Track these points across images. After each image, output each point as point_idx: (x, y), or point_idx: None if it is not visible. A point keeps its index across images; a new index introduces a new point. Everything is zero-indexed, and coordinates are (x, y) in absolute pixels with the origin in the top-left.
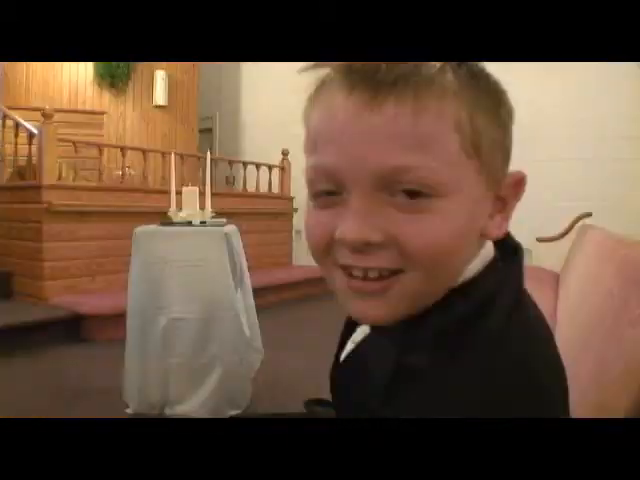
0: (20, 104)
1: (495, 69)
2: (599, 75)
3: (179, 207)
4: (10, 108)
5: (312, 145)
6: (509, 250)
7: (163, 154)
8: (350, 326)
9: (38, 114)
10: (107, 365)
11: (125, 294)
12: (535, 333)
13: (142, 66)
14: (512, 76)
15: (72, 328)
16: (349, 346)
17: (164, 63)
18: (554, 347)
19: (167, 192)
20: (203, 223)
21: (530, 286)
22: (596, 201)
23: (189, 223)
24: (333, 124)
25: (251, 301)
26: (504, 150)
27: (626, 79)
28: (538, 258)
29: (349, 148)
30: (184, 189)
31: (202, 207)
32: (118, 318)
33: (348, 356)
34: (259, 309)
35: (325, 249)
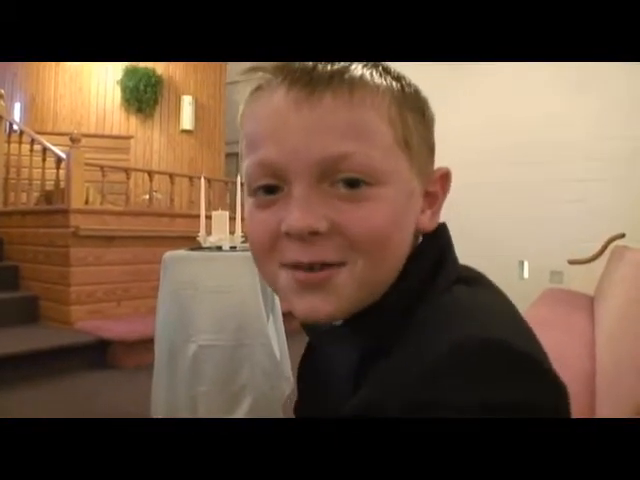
0: (48, 129)
1: (526, 84)
2: (631, 92)
3: (208, 232)
4: (38, 133)
5: (251, 145)
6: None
7: (190, 178)
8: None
9: (66, 139)
10: (134, 392)
11: (151, 319)
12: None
13: (169, 91)
14: (541, 92)
15: (98, 354)
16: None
17: (191, 88)
18: (504, 299)
19: (194, 216)
20: (233, 248)
21: (563, 309)
22: (628, 222)
23: (219, 248)
24: (274, 120)
25: (281, 327)
26: (430, 147)
27: None
28: (570, 280)
29: (291, 141)
30: (214, 213)
31: (232, 231)
32: (145, 344)
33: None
34: (286, 334)
35: (270, 247)
